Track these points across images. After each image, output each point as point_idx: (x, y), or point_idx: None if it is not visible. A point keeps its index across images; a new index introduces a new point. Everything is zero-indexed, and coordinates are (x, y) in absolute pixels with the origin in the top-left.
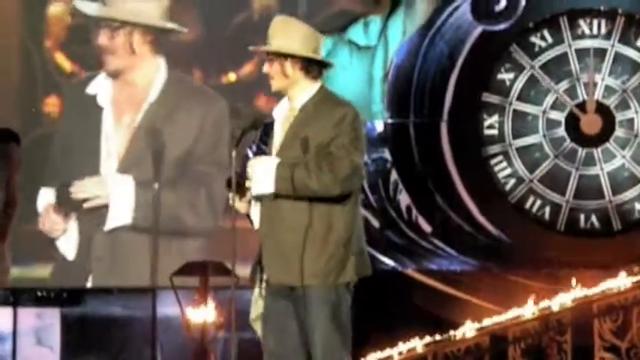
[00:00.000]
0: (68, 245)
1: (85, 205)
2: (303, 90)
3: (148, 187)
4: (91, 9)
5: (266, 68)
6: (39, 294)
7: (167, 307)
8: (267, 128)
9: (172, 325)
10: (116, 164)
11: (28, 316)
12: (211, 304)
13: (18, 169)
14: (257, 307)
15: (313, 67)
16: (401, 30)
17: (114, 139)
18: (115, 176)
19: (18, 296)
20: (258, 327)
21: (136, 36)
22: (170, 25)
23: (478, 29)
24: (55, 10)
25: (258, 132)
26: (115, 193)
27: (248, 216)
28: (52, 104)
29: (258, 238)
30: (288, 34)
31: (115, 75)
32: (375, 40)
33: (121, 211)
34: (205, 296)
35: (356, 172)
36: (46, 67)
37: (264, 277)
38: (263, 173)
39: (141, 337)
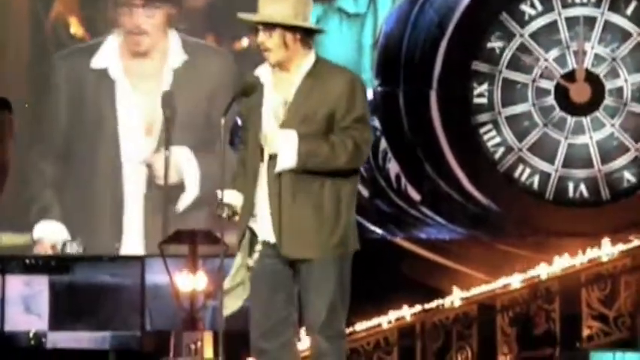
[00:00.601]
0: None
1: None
2: (301, 59)
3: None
4: None
5: (262, 38)
6: (27, 262)
7: (156, 275)
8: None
9: (161, 293)
10: (143, 131)
11: (17, 283)
12: (200, 273)
13: (10, 136)
14: (236, 275)
15: (310, 36)
16: None
17: (135, 108)
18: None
19: (6, 264)
20: (232, 297)
21: (171, 10)
22: None
23: None
24: None
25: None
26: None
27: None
28: None
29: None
30: (285, 2)
31: (144, 54)
32: (364, 8)
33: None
34: (194, 264)
35: (370, 143)
36: (57, 32)
37: (258, 248)
38: (286, 146)
39: (129, 304)
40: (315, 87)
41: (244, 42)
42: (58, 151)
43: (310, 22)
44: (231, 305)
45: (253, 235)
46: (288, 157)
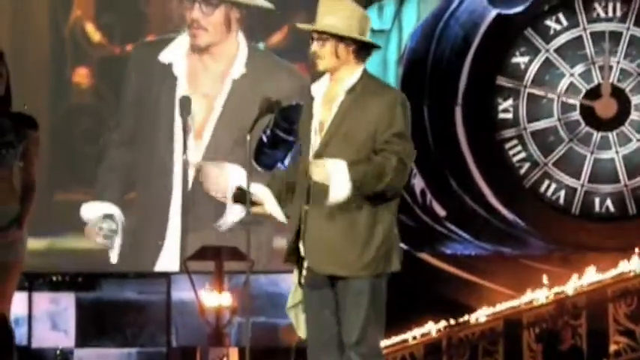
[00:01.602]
0: (114, 253)
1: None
2: (349, 72)
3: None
4: None
5: (315, 47)
6: (54, 279)
7: (182, 292)
8: (285, 113)
9: (187, 310)
10: (194, 134)
11: (43, 300)
12: (226, 289)
13: (36, 155)
14: (295, 296)
15: (364, 50)
16: (415, 14)
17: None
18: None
19: (33, 281)
20: (293, 315)
21: (233, 13)
22: (263, 2)
23: (493, 13)
24: None
25: (272, 116)
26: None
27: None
28: (81, 75)
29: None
30: (343, 14)
31: (201, 50)
32: (389, 24)
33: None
34: (220, 281)
35: (412, 156)
36: (76, 38)
37: (305, 266)
38: (337, 178)
39: (155, 321)
40: (357, 104)
41: (260, 46)
42: (125, 139)
43: (366, 37)
44: (302, 325)
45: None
46: (340, 189)
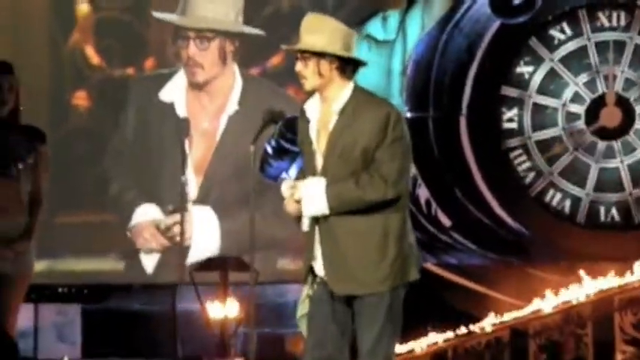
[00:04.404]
0: (150, 261)
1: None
2: (338, 90)
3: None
4: (176, 19)
5: (299, 67)
6: (60, 290)
7: (188, 303)
8: (289, 124)
9: (193, 321)
10: (193, 171)
11: (50, 312)
12: (231, 300)
13: (45, 169)
14: (304, 306)
15: (348, 66)
16: (419, 24)
17: (194, 146)
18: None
19: (39, 293)
20: (303, 326)
21: (228, 46)
22: (251, 29)
23: (497, 23)
24: (83, 5)
25: (277, 127)
26: None
27: (296, 218)
28: (80, 97)
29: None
30: (323, 31)
31: (199, 86)
32: (393, 35)
33: None
34: (225, 291)
35: (404, 172)
36: (75, 61)
37: (317, 279)
38: (314, 196)
39: (161, 332)
40: (351, 122)
41: (254, 71)
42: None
43: (351, 53)
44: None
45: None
46: (316, 206)
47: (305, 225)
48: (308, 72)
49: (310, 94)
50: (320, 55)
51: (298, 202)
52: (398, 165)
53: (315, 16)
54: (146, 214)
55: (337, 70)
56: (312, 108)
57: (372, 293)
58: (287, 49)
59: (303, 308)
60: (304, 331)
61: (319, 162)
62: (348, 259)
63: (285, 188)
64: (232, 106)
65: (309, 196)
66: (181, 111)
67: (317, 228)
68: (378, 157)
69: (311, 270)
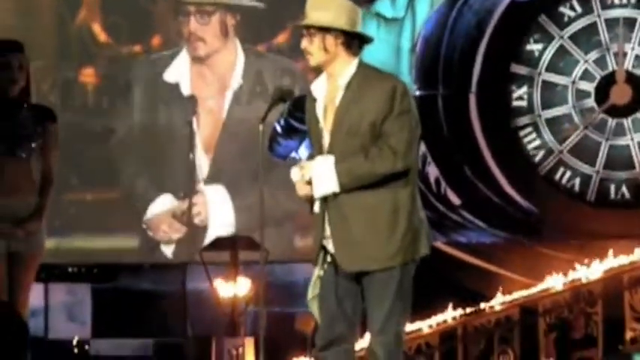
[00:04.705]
0: (169, 248)
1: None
2: (343, 66)
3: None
4: None
5: (304, 43)
6: (70, 270)
7: (198, 282)
8: (299, 102)
9: (203, 300)
10: (202, 149)
11: (60, 291)
12: (241, 279)
13: (56, 147)
14: (315, 287)
15: (354, 42)
16: (428, 1)
17: (201, 125)
18: None
19: (49, 272)
20: (314, 307)
21: (229, 19)
22: (250, 2)
23: (506, 0)
24: None
25: (286, 106)
26: None
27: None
28: (88, 75)
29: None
30: (328, 8)
31: (202, 60)
32: (402, 12)
33: None
34: (235, 271)
35: (412, 143)
36: (82, 38)
37: (327, 259)
38: (323, 175)
39: (171, 311)
40: (357, 97)
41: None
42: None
43: (357, 29)
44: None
45: (325, 249)
46: (326, 184)
47: (316, 207)
48: (313, 48)
49: (317, 71)
50: (325, 30)
51: (309, 183)
52: (406, 136)
53: None
54: (163, 204)
55: (343, 46)
56: (319, 86)
57: (382, 269)
58: (293, 26)
59: (314, 289)
60: (316, 313)
61: (326, 140)
62: (357, 236)
63: (294, 172)
64: (236, 80)
65: (318, 175)
66: (186, 90)
67: (326, 207)
68: (386, 129)
69: (322, 250)
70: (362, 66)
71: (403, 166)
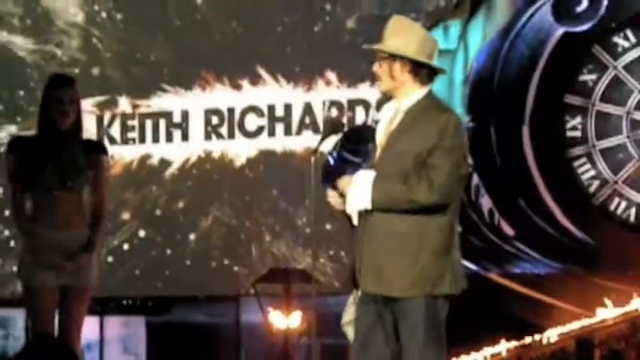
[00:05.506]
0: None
1: None
2: (409, 93)
3: None
4: None
5: (375, 68)
6: (125, 302)
7: (251, 314)
8: (351, 134)
9: (256, 332)
10: None
11: (115, 324)
12: (294, 311)
13: (107, 179)
14: (350, 312)
15: (423, 71)
16: (481, 34)
17: None
18: None
19: (104, 305)
20: (349, 331)
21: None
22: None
23: (559, 31)
24: None
25: (338, 138)
26: None
27: (345, 215)
28: None
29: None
30: (401, 35)
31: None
32: (455, 44)
33: None
34: (288, 303)
35: (453, 180)
36: None
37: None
38: (360, 187)
39: (225, 344)
40: (412, 124)
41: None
42: None
43: (427, 59)
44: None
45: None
46: (360, 199)
47: (354, 219)
48: (382, 73)
49: (388, 95)
50: (394, 57)
51: (342, 196)
52: (449, 171)
53: (397, 19)
54: None
55: (410, 74)
56: (387, 109)
57: (405, 298)
58: (365, 48)
59: (349, 314)
60: (351, 338)
61: (376, 158)
62: (379, 259)
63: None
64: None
65: (356, 187)
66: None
67: (359, 228)
68: (431, 161)
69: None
70: (428, 96)
71: (437, 200)
